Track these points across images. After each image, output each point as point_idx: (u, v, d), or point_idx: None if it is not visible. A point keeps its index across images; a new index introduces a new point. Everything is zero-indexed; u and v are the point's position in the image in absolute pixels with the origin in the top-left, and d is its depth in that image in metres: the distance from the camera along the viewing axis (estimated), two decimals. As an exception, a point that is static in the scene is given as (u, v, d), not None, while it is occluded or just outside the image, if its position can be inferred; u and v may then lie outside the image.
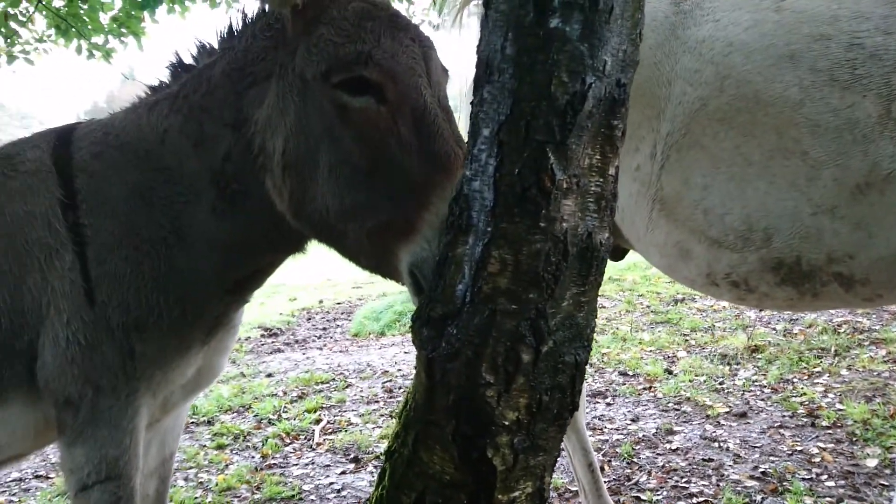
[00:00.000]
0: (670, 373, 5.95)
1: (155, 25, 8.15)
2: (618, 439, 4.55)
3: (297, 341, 8.99)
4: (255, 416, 5.66)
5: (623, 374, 6.08)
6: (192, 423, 5.56)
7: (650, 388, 5.59)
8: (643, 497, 3.73)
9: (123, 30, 7.93)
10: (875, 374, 5.38)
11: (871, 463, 3.93)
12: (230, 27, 1.90)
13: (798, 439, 4.40)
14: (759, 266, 2.16)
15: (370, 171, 1.65)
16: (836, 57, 1.98)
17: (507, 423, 1.35)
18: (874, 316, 6.78)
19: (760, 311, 7.69)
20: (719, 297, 2.42)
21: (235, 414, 5.80)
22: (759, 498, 3.65)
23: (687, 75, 2.24)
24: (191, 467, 4.63)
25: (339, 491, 4.14)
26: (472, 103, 1.41)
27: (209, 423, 5.57)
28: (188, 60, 1.97)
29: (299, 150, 1.71)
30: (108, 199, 1.84)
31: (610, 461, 4.23)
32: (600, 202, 1.37)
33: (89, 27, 7.76)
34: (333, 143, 1.67)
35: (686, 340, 6.97)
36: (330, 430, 5.24)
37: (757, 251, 2.14)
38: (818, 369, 5.66)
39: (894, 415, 4.51)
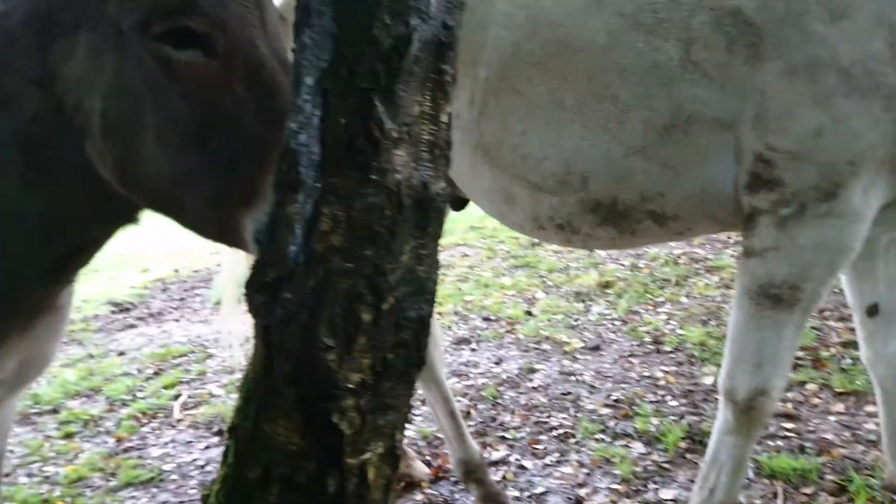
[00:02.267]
0: (530, 314, 6.19)
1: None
2: (483, 383, 4.68)
3: (151, 315, 8.45)
4: (106, 398, 5.28)
5: (486, 319, 6.24)
6: (34, 413, 5.11)
7: (512, 330, 5.79)
8: (508, 436, 3.87)
9: None
10: (710, 299, 5.88)
11: (708, 381, 4.30)
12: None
13: (645, 365, 4.74)
14: (579, 208, 2.24)
15: (203, 131, 1.50)
16: (639, 1, 2.05)
17: (351, 385, 1.30)
18: (708, 246, 7.38)
19: (591, 251, 8.15)
20: (549, 240, 2.50)
21: (84, 399, 5.38)
22: (612, 424, 3.89)
23: (501, 19, 2.24)
24: (34, 461, 4.26)
25: (202, 467, 3.98)
26: (293, 50, 1.31)
27: (54, 411, 5.14)
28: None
29: (121, 111, 1.53)
30: None
31: (476, 405, 4.35)
32: (434, 151, 1.32)
33: None
34: (159, 102, 1.50)
35: (544, 282, 7.26)
36: (191, 405, 5.00)
37: (576, 194, 2.21)
38: (661, 299, 6.10)
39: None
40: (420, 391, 3.15)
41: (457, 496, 3.30)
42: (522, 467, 3.52)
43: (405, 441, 3.90)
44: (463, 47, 2.40)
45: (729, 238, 7.23)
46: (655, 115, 2.04)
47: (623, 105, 2.07)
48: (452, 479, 3.38)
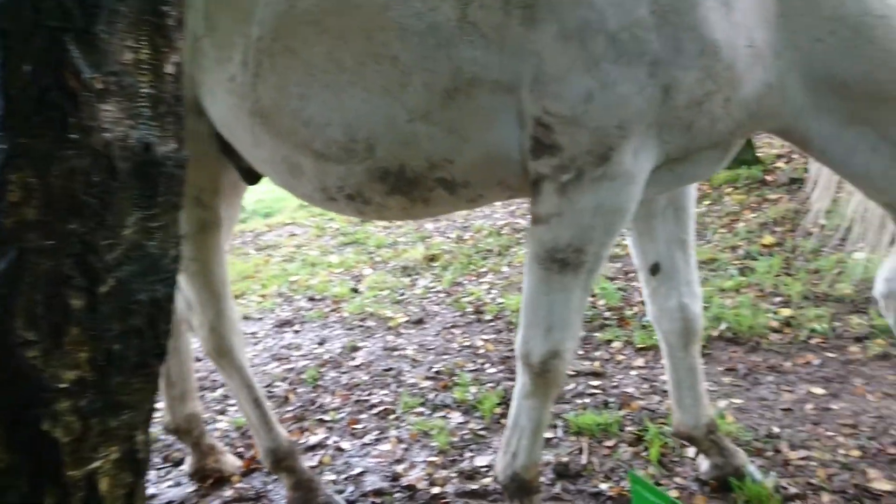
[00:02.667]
0: (356, 291, 6.08)
1: None
2: (304, 365, 4.51)
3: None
4: None
5: (312, 299, 6.05)
6: None
7: (337, 309, 5.65)
8: (327, 418, 3.75)
9: None
10: (528, 267, 6.08)
11: (524, 346, 4.43)
12: None
13: (467, 335, 4.80)
14: (366, 177, 2.14)
15: None
16: None
17: (64, 385, 1.10)
18: (529, 217, 7.65)
19: (390, 222, 8.20)
20: (342, 211, 2.39)
21: None
22: (432, 396, 3.89)
23: None
24: None
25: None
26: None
27: None
28: None
29: None
30: None
31: (295, 389, 4.18)
32: (158, 107, 1.14)
33: None
34: None
35: (372, 258, 7.17)
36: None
37: (362, 162, 2.11)
38: (484, 269, 6.23)
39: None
40: (223, 380, 2.93)
41: (270, 487, 3.13)
42: (340, 449, 3.42)
43: (216, 434, 3.66)
44: (235, 4, 2.22)
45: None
46: (437, 77, 1.97)
47: (404, 67, 1.98)
48: (266, 470, 3.20)
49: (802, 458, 2.99)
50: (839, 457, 2.97)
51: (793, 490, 2.75)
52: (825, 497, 2.70)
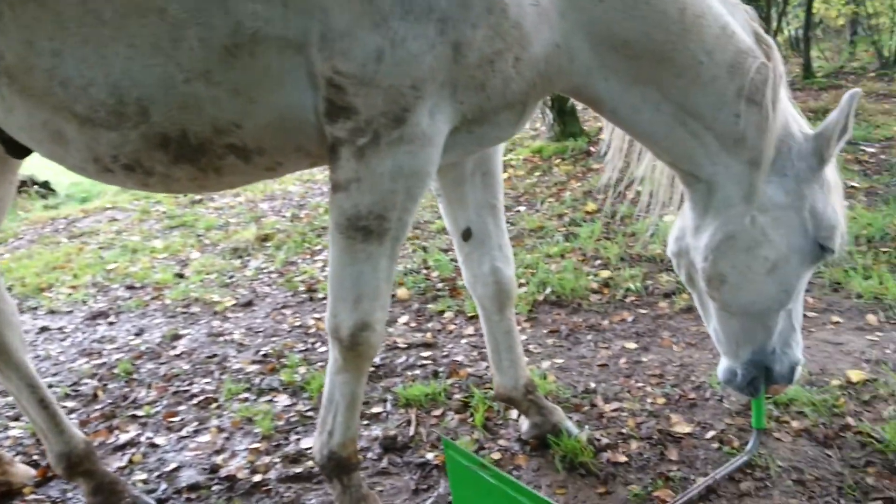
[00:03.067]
0: (181, 276, 5.69)
1: None
2: (117, 359, 4.14)
3: None
4: None
5: (131, 287, 5.59)
6: None
7: (159, 296, 5.25)
8: (140, 413, 3.45)
9: None
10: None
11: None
12: None
13: (298, 315, 4.64)
14: (143, 144, 1.94)
15: None
16: None
17: None
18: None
19: (186, 195, 7.88)
20: (123, 184, 2.16)
21: None
22: (258, 380, 3.71)
23: None
24: None
25: None
26: None
27: None
28: None
29: None
30: None
31: (105, 385, 3.82)
32: None
33: None
34: None
35: (200, 241, 6.76)
36: None
37: (136, 127, 1.90)
38: (319, 247, 6.06)
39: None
40: None
41: (70, 496, 2.82)
42: (154, 445, 3.16)
43: (7, 443, 3.26)
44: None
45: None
46: (214, 32, 1.79)
47: (174, 20, 1.78)
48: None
49: (615, 410, 3.15)
50: (647, 406, 3.16)
51: (605, 441, 2.89)
52: (633, 444, 2.86)
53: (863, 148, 7.38)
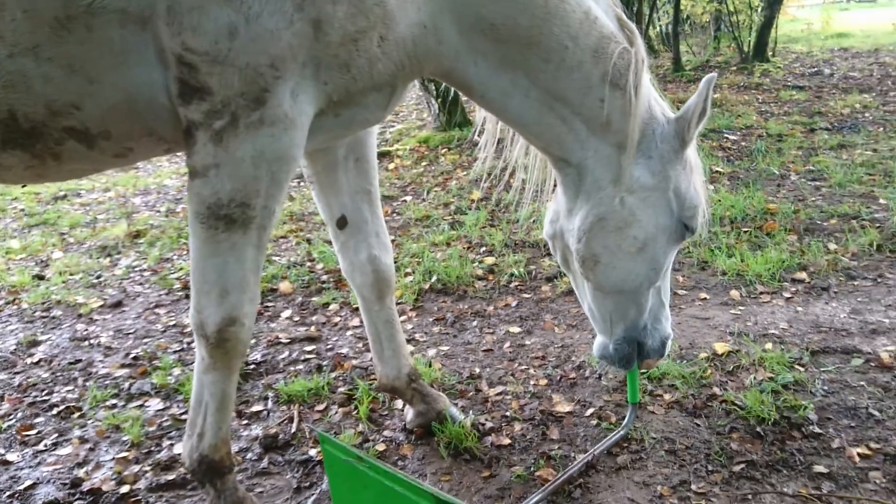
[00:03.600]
0: (41, 278, 5.24)
1: None
2: (-37, 371, 3.76)
3: None
4: None
5: (-19, 292, 5.09)
6: None
7: (14, 301, 4.81)
8: (-10, 428, 3.15)
9: None
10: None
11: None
12: None
13: (173, 314, 4.38)
14: None
15: None
16: None
17: None
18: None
19: (21, 185, 7.40)
20: None
21: None
22: (127, 385, 3.47)
23: None
24: None
25: None
26: None
27: None
28: None
29: None
30: None
31: (-51, 400, 3.46)
32: None
33: None
34: None
35: (64, 239, 6.26)
36: None
37: None
38: (197, 242, 5.75)
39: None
40: None
41: None
42: (6, 462, 2.87)
43: None
44: None
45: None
46: (41, 3, 1.62)
47: (-10, -12, 1.60)
48: None
49: (499, 394, 3.18)
50: (530, 387, 3.21)
51: (490, 425, 2.91)
52: (517, 426, 2.89)
53: (726, 136, 7.88)
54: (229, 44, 1.66)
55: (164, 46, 1.70)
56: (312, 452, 2.80)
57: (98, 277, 5.17)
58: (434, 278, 4.53)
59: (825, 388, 3.00)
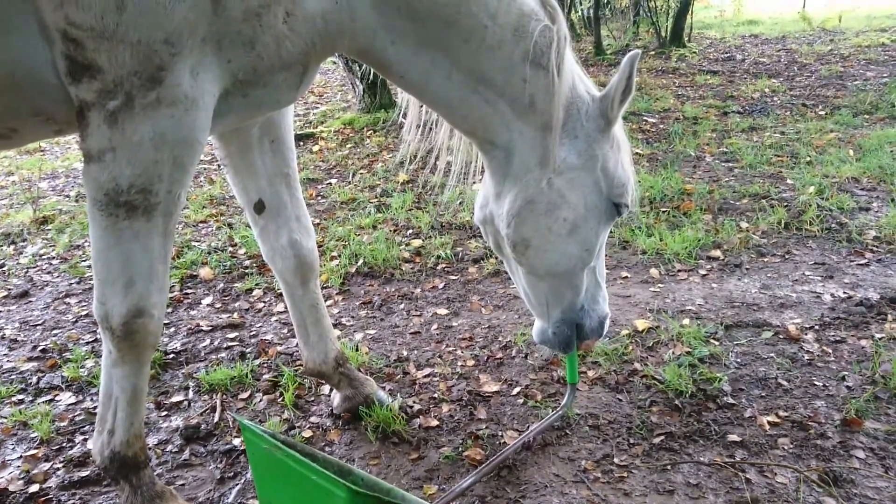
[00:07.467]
0: (-63, 269, 4.89)
1: None
2: None
3: None
4: None
5: None
6: None
7: None
8: None
9: None
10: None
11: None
12: None
13: (85, 304, 4.17)
14: None
15: None
16: None
17: None
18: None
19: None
20: None
21: None
22: (34, 379, 3.28)
23: None
24: None
25: None
26: None
27: None
28: None
29: None
30: None
31: None
32: None
33: None
34: None
35: (-38, 227, 5.86)
36: None
37: None
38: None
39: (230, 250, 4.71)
40: None
41: None
42: None
43: None
44: None
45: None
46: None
47: None
48: None
49: (427, 376, 3.18)
50: (458, 369, 3.22)
51: (417, 407, 2.90)
52: (445, 407, 2.90)
53: (645, 118, 8.09)
54: (117, 18, 1.56)
55: (47, 20, 1.58)
56: (236, 442, 2.73)
57: (1, 267, 4.86)
58: (360, 261, 4.48)
59: (738, 360, 3.13)
